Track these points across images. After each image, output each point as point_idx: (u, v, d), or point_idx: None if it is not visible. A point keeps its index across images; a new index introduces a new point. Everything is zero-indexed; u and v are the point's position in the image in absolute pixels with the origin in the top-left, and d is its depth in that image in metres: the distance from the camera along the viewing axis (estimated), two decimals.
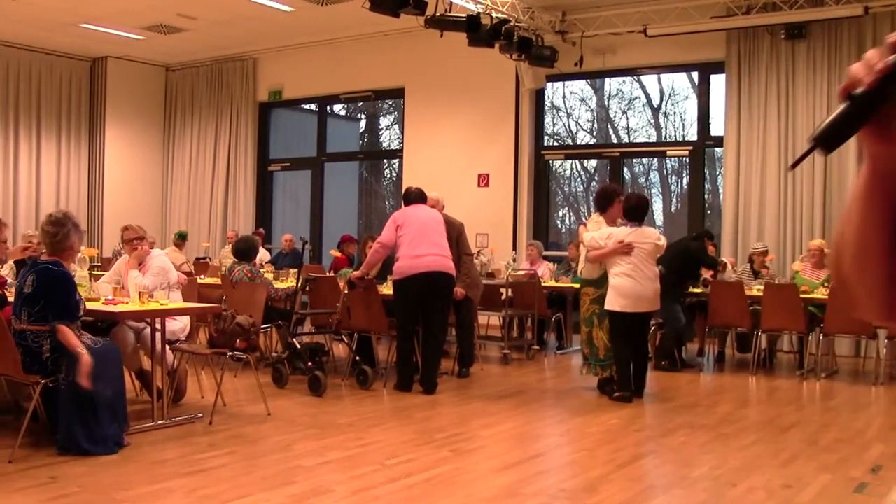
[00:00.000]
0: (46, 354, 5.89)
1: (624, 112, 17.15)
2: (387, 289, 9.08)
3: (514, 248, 13.90)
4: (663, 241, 8.47)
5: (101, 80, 18.05)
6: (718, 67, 12.83)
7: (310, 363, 8.46)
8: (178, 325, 7.57)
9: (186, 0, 13.71)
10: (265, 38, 16.22)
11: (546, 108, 15.15)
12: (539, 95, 14.64)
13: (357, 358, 8.96)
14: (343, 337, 9.54)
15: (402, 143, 15.87)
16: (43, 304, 5.91)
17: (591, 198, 16.89)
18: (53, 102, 17.64)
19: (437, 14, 11.51)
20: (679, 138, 15.55)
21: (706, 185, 13.83)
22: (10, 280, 7.51)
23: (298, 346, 8.71)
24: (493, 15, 12.20)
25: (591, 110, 17.31)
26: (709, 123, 13.37)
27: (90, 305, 6.42)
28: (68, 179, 17.89)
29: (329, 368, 9.23)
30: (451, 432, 6.92)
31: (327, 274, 10.82)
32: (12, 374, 5.96)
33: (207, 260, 14.83)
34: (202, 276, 11.43)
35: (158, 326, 6.86)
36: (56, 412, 5.94)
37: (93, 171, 18.21)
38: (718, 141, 13.00)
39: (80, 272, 7.26)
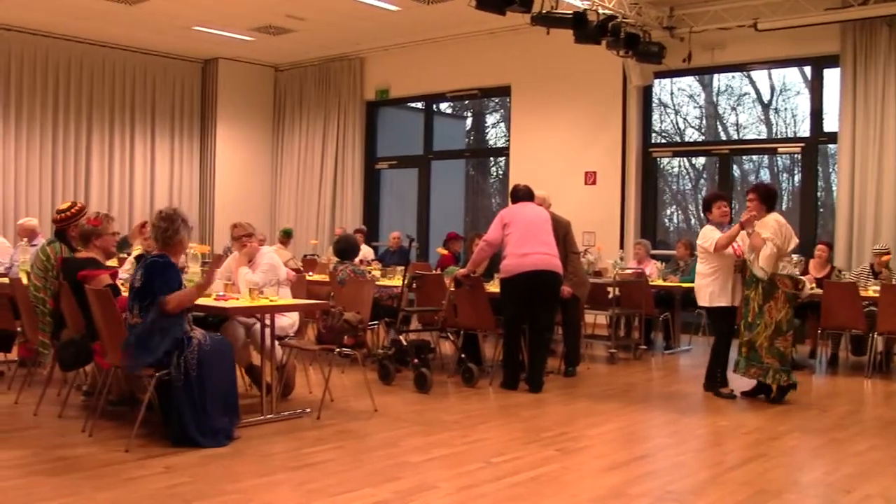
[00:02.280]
0: (159, 346, 6.03)
1: (733, 108, 16.82)
2: (493, 286, 9.08)
3: (622, 246, 13.78)
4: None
5: (213, 81, 18.46)
6: (832, 61, 12.50)
7: (415, 360, 8.51)
8: (288, 322, 7.68)
9: (295, 1, 13.90)
10: (372, 37, 16.37)
11: (653, 104, 14.97)
12: (646, 92, 14.48)
13: (463, 355, 8.98)
14: (449, 334, 9.58)
15: (509, 140, 15.85)
16: (151, 296, 6.09)
17: (699, 196, 16.67)
18: (167, 103, 18.09)
19: (544, 11, 11.46)
20: (790, 135, 15.18)
21: (819, 184, 13.49)
22: (124, 274, 7.75)
23: (404, 343, 8.77)
24: (600, 11, 12.09)
25: (700, 107, 17.03)
26: (822, 119, 13.05)
27: (201, 301, 6.55)
28: (181, 178, 18.34)
29: (435, 365, 9.27)
30: (557, 431, 6.89)
31: (434, 271, 10.86)
32: None
33: (315, 257, 15.01)
34: (310, 273, 11.57)
35: (268, 322, 6.98)
36: (170, 405, 6.10)
37: (204, 169, 18.63)
38: (832, 137, 12.67)
39: (192, 268, 7.42)
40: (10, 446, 6.07)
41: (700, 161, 17.14)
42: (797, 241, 8.18)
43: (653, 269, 11.96)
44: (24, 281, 7.85)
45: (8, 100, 15.92)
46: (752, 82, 16.26)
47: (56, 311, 7.11)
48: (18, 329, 8.07)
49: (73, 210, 7.66)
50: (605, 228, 14.10)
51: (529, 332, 8.58)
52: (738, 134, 16.33)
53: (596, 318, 12.22)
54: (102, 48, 16.97)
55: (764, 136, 16.21)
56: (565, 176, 14.45)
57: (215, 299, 6.83)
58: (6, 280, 8.47)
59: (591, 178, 14.48)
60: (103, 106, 17.16)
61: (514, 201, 8.86)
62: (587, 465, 5.94)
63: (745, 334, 8.17)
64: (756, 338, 8.03)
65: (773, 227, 7.96)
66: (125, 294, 6.58)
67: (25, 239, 10.33)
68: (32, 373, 7.97)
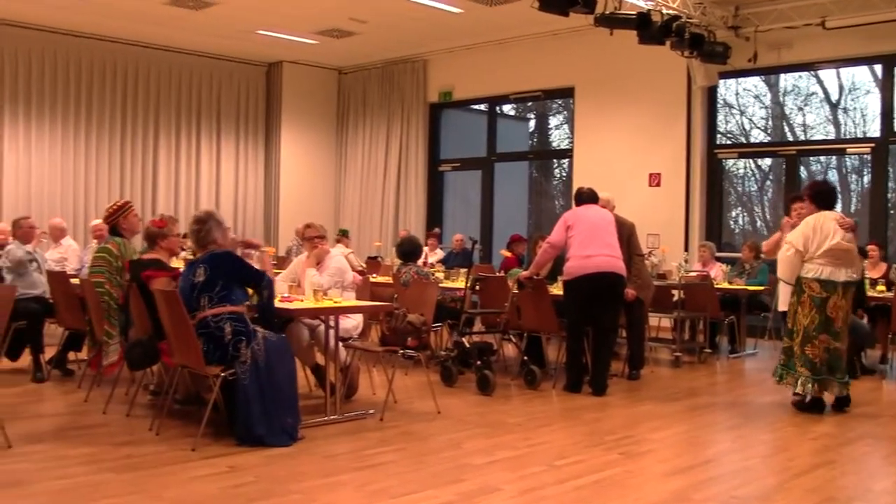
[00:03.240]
0: (228, 337, 6.14)
1: (800, 108, 16.59)
2: (556, 289, 9.05)
3: (686, 248, 13.66)
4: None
5: (277, 84, 18.65)
6: None
7: (478, 362, 8.52)
8: (352, 323, 7.73)
9: (358, 4, 13.99)
10: (435, 39, 16.41)
11: (718, 105, 14.81)
12: (711, 93, 14.33)
13: (526, 358, 8.97)
14: (512, 336, 9.57)
15: (572, 142, 15.79)
16: (222, 284, 6.23)
17: (765, 198, 16.47)
18: (232, 107, 18.32)
19: (607, 12, 11.40)
20: (860, 135, 14.93)
21: (889, 185, 13.25)
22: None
23: (467, 345, 8.78)
24: (664, 11, 12.00)
25: (766, 107, 16.81)
26: (893, 119, 12.80)
27: None
28: (246, 180, 18.56)
29: (498, 368, 9.26)
30: (621, 434, 6.85)
31: (497, 274, 10.85)
32: (194, 366, 6.23)
33: (379, 259, 15.09)
34: (374, 275, 11.62)
35: (332, 324, 7.03)
36: (235, 404, 6.18)
37: (269, 172, 18.82)
38: None
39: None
40: (79, 443, 6.20)
41: (766, 162, 16.95)
42: (836, 243, 7.73)
43: (718, 272, 11.84)
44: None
45: (79, 104, 16.25)
46: (820, 81, 16.03)
47: (125, 306, 7.25)
48: (87, 329, 8.24)
49: (117, 204, 8.05)
50: (669, 230, 13.99)
51: (593, 334, 8.54)
52: (806, 134, 16.11)
53: (660, 321, 12.11)
54: (169, 53, 17.24)
55: (832, 136, 15.96)
56: (629, 178, 14.37)
57: (280, 300, 6.89)
58: (77, 280, 8.65)
59: (655, 179, 14.38)
60: (170, 110, 17.44)
61: (578, 203, 8.83)
62: (651, 469, 5.90)
63: (785, 340, 7.97)
64: (793, 345, 7.87)
65: (801, 229, 7.82)
66: None
67: (95, 241, 10.54)
68: (101, 372, 8.11)
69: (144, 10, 14.33)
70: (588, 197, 8.82)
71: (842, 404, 7.86)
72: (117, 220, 7.87)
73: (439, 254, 15.19)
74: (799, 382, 7.73)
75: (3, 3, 14.25)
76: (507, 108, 19.04)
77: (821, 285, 7.67)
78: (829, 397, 7.83)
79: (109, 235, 7.96)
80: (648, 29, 11.73)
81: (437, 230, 16.55)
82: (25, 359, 8.91)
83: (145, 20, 15.02)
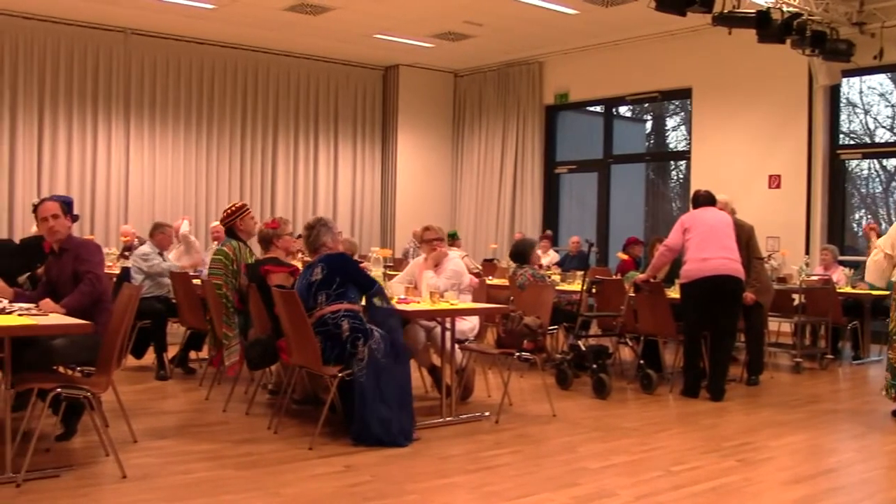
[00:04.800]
0: (346, 334, 6.26)
1: None
2: (674, 292, 8.95)
3: (807, 252, 13.35)
4: None
5: (393, 87, 18.84)
6: None
7: (594, 365, 8.48)
8: (468, 325, 7.78)
9: (473, 7, 14.04)
10: (551, 41, 16.37)
11: (841, 104, 14.44)
12: (834, 92, 13.97)
13: (642, 361, 8.90)
14: (628, 340, 9.50)
15: (690, 144, 15.58)
16: (339, 282, 6.37)
17: (890, 199, 16.00)
18: (349, 110, 18.58)
19: (726, 11, 11.22)
20: None
21: None
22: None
23: (583, 348, 8.75)
24: (784, 9, 11.75)
25: (892, 106, 16.32)
26: None
27: (381, 304, 6.72)
28: (363, 183, 18.79)
29: (614, 371, 9.21)
30: (739, 441, 6.75)
31: (613, 276, 10.78)
32: (312, 366, 6.34)
33: (495, 261, 15.11)
34: (490, 278, 11.65)
35: (448, 326, 7.08)
36: (352, 404, 6.27)
37: (385, 175, 19.03)
38: None
39: (374, 271, 7.62)
40: (200, 440, 6.39)
41: (892, 163, 16.43)
42: None
43: (840, 276, 11.55)
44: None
45: (201, 109, 16.69)
46: None
47: (242, 310, 7.41)
48: (208, 328, 8.46)
49: (234, 206, 8.13)
50: (789, 233, 13.69)
51: (711, 338, 8.43)
52: None
53: (780, 326, 11.87)
54: (287, 58, 17.58)
55: None
56: (748, 179, 14.11)
57: (397, 302, 6.97)
58: (199, 281, 8.89)
59: (775, 181, 14.08)
60: (288, 113, 17.77)
61: (696, 206, 8.73)
62: (770, 478, 5.79)
63: (889, 352, 7.69)
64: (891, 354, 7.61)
65: (891, 232, 7.58)
66: None
67: (216, 242, 10.83)
68: (222, 371, 8.32)
69: (264, 16, 14.64)
70: (706, 199, 8.71)
71: None
72: (234, 223, 7.99)
73: (552, 256, 15.15)
74: (889, 388, 7.57)
75: (136, 14, 14.75)
76: (624, 110, 18.87)
77: None
78: None
79: (226, 238, 8.10)
80: (768, 27, 11.50)
81: (548, 232, 16.52)
82: (149, 357, 9.21)
83: (265, 26, 15.33)
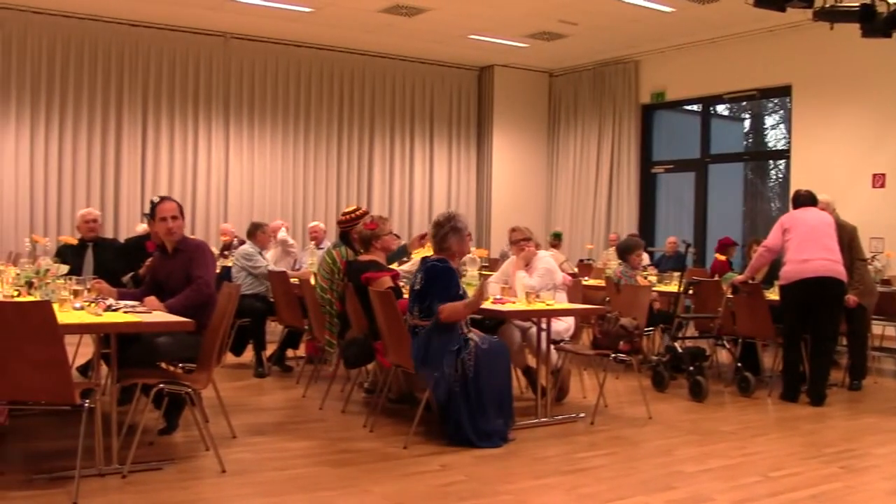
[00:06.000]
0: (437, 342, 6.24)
1: None
2: (773, 294, 8.79)
3: None
4: None
5: (488, 87, 18.86)
6: None
7: (691, 367, 8.37)
8: (563, 326, 7.75)
9: (568, 7, 13.98)
10: (646, 39, 16.22)
11: None
12: None
13: (740, 364, 8.76)
14: (725, 342, 9.36)
15: (789, 142, 15.28)
16: (430, 300, 6.32)
17: None
18: (444, 111, 18.66)
19: (827, 5, 10.97)
20: None
21: None
22: (402, 274, 8.04)
23: (679, 350, 8.65)
24: (890, 2, 11.44)
25: None
26: None
27: None
28: (458, 184, 18.85)
29: (711, 374, 9.08)
30: (841, 448, 6.59)
31: (711, 277, 10.64)
32: (408, 366, 6.37)
33: (591, 262, 15.03)
34: (586, 278, 11.59)
35: (544, 326, 7.06)
36: (447, 405, 6.28)
37: (481, 175, 19.04)
38: None
39: (470, 271, 7.64)
40: (297, 437, 6.48)
41: None
42: None
43: None
44: (312, 282, 8.32)
45: (298, 111, 16.93)
46: None
47: (343, 314, 7.46)
48: (305, 327, 8.58)
49: (355, 213, 7.92)
50: (894, 234, 13.33)
51: (811, 341, 8.25)
52: None
53: (884, 330, 11.55)
54: (383, 59, 17.71)
55: None
56: (851, 179, 13.78)
57: (492, 302, 6.97)
58: (296, 281, 9.01)
59: (879, 180, 13.73)
60: (384, 115, 17.91)
61: (796, 206, 8.56)
62: (874, 486, 5.63)
63: None
64: None
65: None
66: (406, 297, 6.84)
67: (313, 242, 10.97)
68: (319, 369, 8.43)
69: (360, 18, 14.77)
70: (806, 199, 8.53)
71: None
72: (350, 228, 7.73)
73: (645, 258, 14.98)
74: None
75: (235, 19, 15.04)
76: (721, 109, 18.61)
77: None
78: None
79: (339, 241, 8.03)
80: (872, 21, 11.19)
81: (635, 234, 16.35)
82: (247, 355, 9.36)
83: (361, 28, 15.47)
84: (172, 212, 6.33)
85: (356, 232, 7.42)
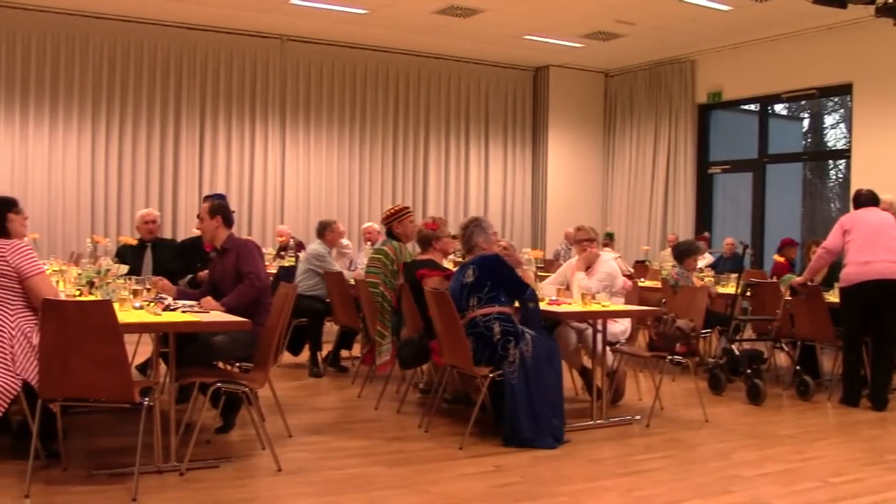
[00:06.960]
0: (497, 337, 6.28)
1: None
2: (833, 296, 8.66)
3: None
4: None
5: (544, 88, 18.80)
6: None
7: (748, 370, 8.28)
8: (619, 328, 7.70)
9: (624, 6, 13.89)
10: (703, 39, 16.07)
11: None
12: None
13: (799, 367, 8.65)
14: (783, 345, 9.24)
15: (850, 142, 15.05)
16: (490, 285, 6.40)
17: None
18: (499, 111, 18.63)
19: (890, 1, 10.81)
20: None
21: None
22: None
23: (737, 353, 8.56)
24: None
25: None
26: None
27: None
28: (514, 184, 18.80)
29: (769, 377, 8.98)
30: None
31: (769, 279, 10.52)
32: (463, 366, 6.38)
33: (647, 263, 14.94)
34: (642, 279, 11.52)
35: (600, 328, 7.03)
36: (503, 405, 6.29)
37: (536, 175, 18.99)
38: None
39: (528, 271, 7.61)
40: (353, 436, 6.52)
41: None
42: None
43: None
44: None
45: (353, 112, 17.00)
46: None
47: (396, 310, 7.50)
48: (360, 326, 8.60)
49: (396, 208, 8.17)
50: None
51: (872, 344, 8.11)
52: None
53: None
54: (438, 60, 17.73)
55: None
56: None
57: (548, 303, 6.96)
58: (353, 281, 9.04)
59: None
60: (439, 115, 17.93)
61: (857, 206, 8.42)
62: None
63: None
64: None
65: None
66: None
67: (368, 243, 11.01)
68: (374, 369, 8.44)
69: (415, 20, 14.81)
70: (868, 199, 8.40)
71: None
72: (392, 224, 8.00)
73: (707, 258, 14.87)
74: None
75: (291, 22, 15.14)
76: (779, 108, 18.40)
77: None
78: None
79: (387, 238, 8.17)
80: None
81: (706, 234, 16.25)
82: (303, 355, 9.43)
83: (415, 29, 15.51)
84: (201, 213, 6.49)
85: (417, 231, 7.55)
